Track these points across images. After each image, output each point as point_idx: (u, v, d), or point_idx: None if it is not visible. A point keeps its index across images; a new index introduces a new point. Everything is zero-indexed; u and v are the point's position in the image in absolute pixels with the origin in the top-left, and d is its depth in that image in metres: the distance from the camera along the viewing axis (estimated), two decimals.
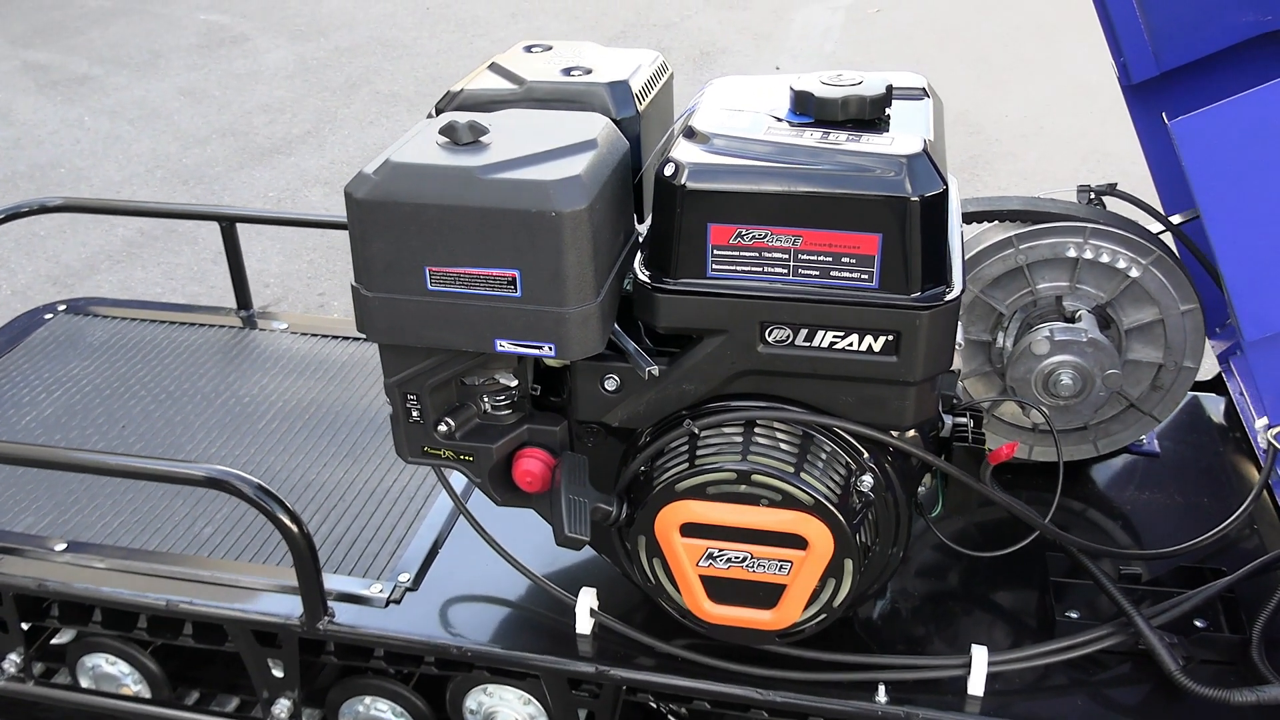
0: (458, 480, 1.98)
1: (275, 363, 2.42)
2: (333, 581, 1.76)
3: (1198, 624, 1.61)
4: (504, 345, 1.40)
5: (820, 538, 1.40)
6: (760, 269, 1.37)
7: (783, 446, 1.43)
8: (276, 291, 4.00)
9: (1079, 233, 1.77)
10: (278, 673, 1.82)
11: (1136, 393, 1.88)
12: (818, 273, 1.35)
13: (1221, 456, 2.06)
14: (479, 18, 7.58)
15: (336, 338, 2.51)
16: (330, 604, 1.72)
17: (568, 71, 1.61)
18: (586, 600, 1.66)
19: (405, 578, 1.78)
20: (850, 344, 1.37)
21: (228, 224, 2.54)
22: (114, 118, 5.81)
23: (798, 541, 1.41)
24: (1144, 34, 1.86)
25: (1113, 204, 1.92)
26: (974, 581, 1.79)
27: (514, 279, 1.35)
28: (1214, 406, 2.21)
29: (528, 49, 1.73)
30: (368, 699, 1.87)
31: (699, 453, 1.44)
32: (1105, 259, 1.77)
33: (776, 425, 1.45)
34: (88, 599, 1.81)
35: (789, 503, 1.40)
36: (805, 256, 1.35)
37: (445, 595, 1.77)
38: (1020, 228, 1.79)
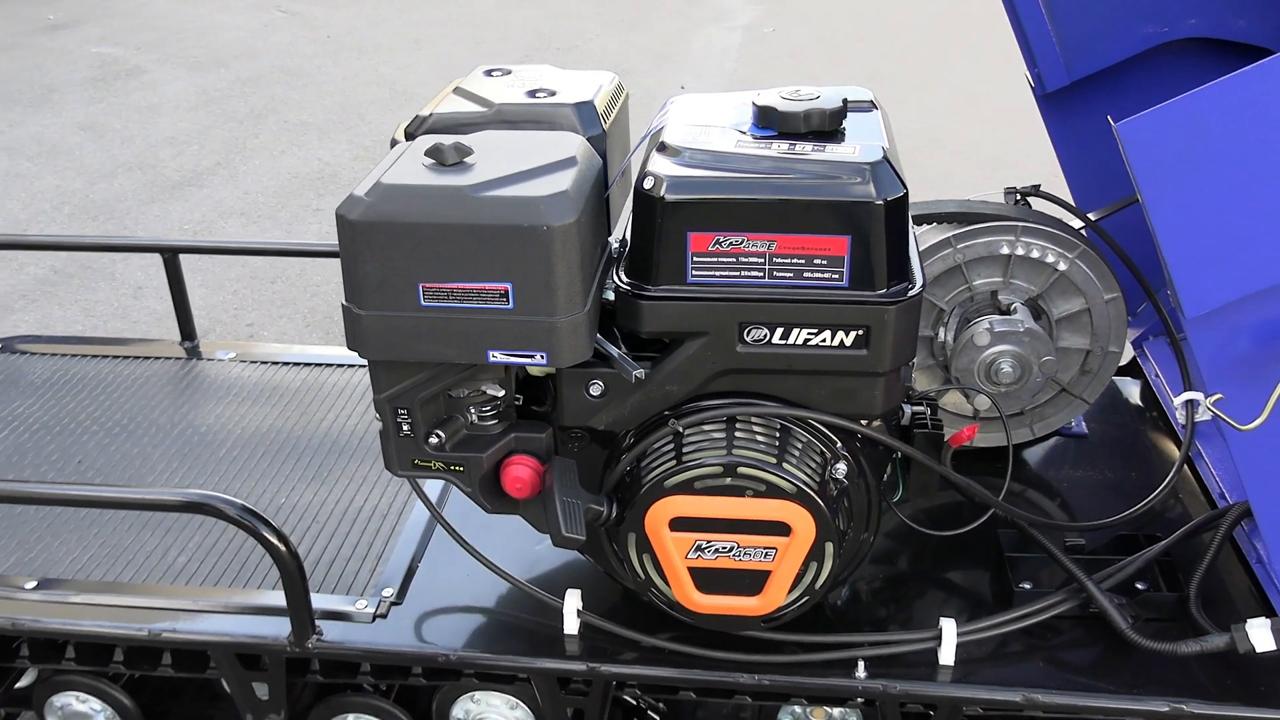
0: (433, 493, 2.02)
1: (227, 391, 2.42)
2: (317, 600, 1.78)
3: (1139, 586, 1.74)
4: (496, 356, 1.46)
5: (803, 523, 1.49)
6: (738, 273, 1.45)
7: (762, 440, 1.52)
8: (203, 324, 3.94)
9: (1011, 231, 1.91)
10: (261, 696, 1.83)
11: (1067, 377, 2.03)
12: (792, 274, 1.45)
13: (1142, 434, 2.23)
14: (381, 44, 7.58)
15: (287, 364, 2.52)
16: (317, 622, 1.74)
17: (533, 94, 1.68)
18: (573, 601, 1.71)
19: (389, 592, 1.81)
20: (824, 339, 1.47)
21: (170, 255, 2.53)
22: (11, 154, 5.64)
23: (782, 529, 1.50)
24: (1055, 47, 2.01)
25: (1036, 204, 2.07)
26: (932, 561, 1.90)
27: (506, 292, 1.41)
28: (1131, 389, 2.38)
29: (488, 73, 1.79)
30: (351, 716, 1.89)
31: (684, 450, 1.51)
32: (1035, 255, 1.91)
33: (755, 420, 1.53)
34: (64, 634, 1.79)
35: (773, 492, 1.48)
36: (780, 260, 1.44)
37: (430, 606, 1.80)
38: (956, 229, 1.92)
